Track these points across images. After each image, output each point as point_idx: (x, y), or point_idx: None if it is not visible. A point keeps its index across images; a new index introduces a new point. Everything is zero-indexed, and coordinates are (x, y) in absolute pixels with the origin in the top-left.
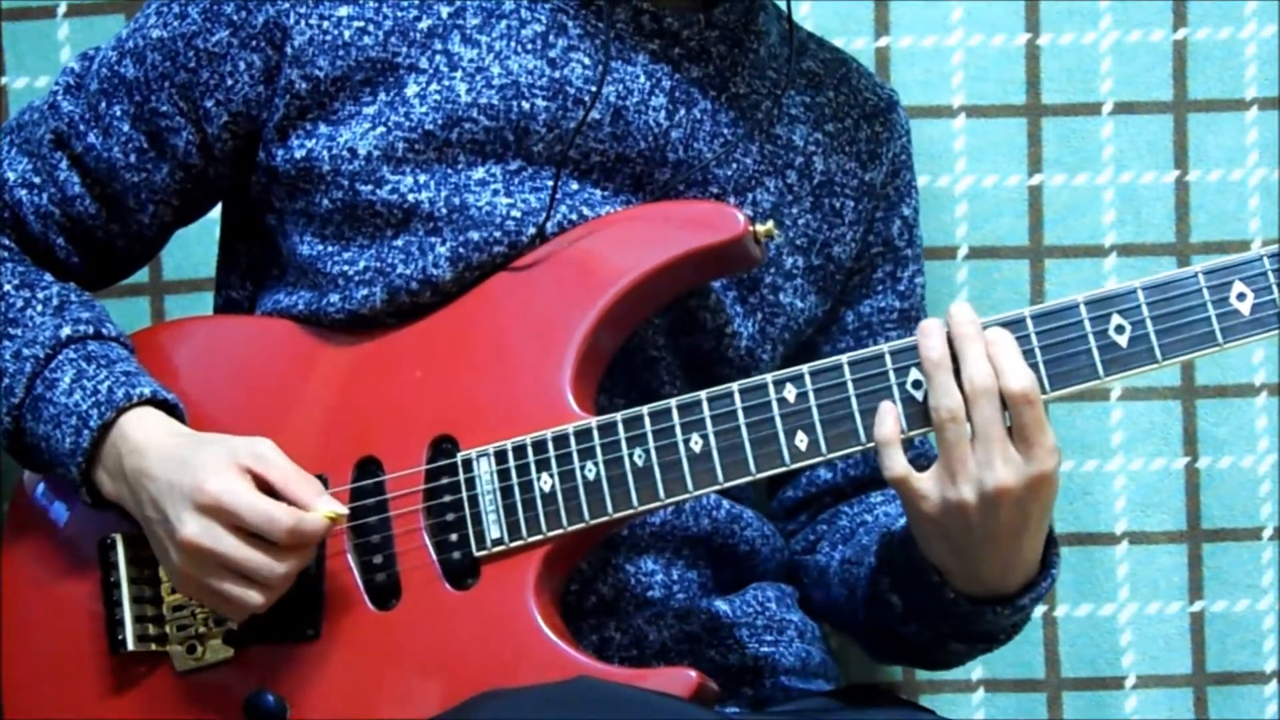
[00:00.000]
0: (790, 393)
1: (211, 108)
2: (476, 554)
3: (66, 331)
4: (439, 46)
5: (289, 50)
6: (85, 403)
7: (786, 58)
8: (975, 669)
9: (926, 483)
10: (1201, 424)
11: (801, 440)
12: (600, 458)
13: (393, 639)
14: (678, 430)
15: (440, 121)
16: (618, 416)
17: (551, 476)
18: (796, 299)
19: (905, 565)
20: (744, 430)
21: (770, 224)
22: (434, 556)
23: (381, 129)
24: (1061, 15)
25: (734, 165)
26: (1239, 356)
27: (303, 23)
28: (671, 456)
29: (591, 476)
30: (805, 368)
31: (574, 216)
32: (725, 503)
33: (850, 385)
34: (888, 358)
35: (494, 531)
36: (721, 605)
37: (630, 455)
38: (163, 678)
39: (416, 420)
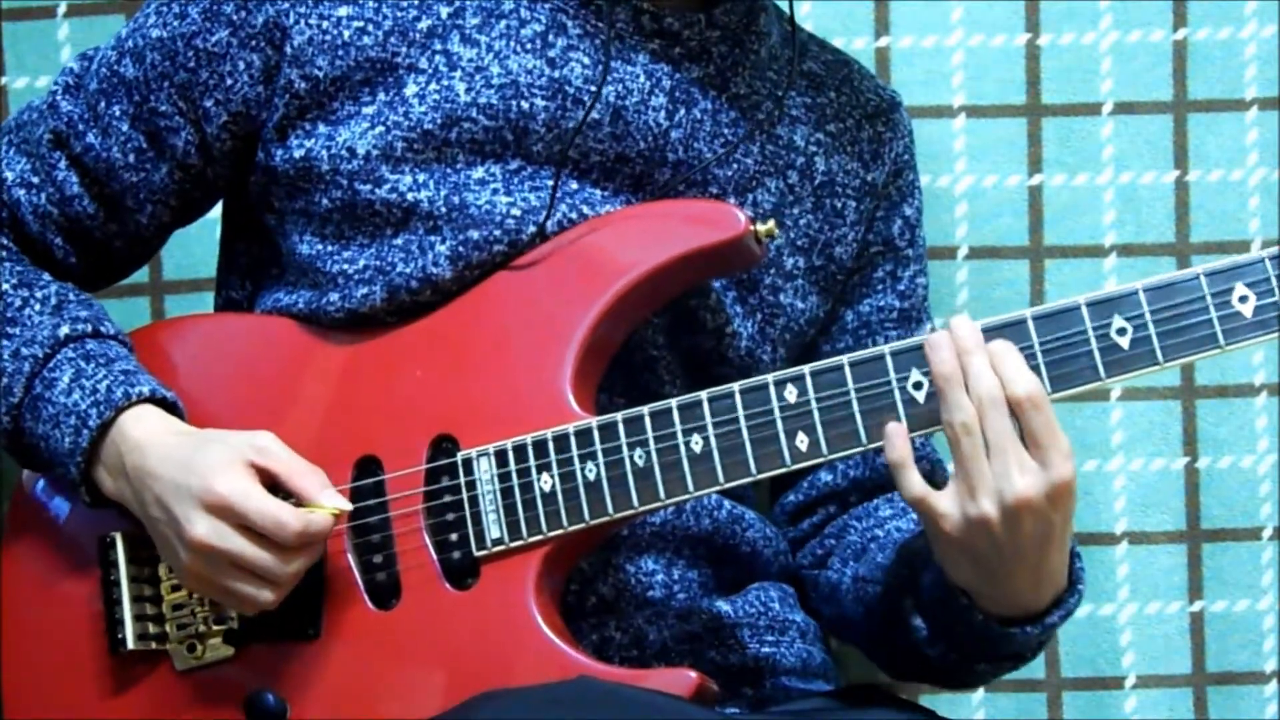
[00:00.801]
0: (791, 393)
1: (211, 107)
2: (476, 554)
3: (65, 330)
4: (438, 46)
5: (288, 50)
6: (84, 402)
7: (788, 59)
8: None
9: (946, 501)
10: (1201, 424)
11: (802, 441)
12: (601, 458)
13: (393, 638)
14: (678, 430)
15: (439, 121)
16: (618, 416)
17: (552, 476)
18: (797, 299)
19: (930, 587)
20: (745, 431)
21: (771, 223)
22: (434, 556)
23: (381, 128)
24: (1061, 15)
25: (734, 165)
26: (1239, 357)
27: (302, 23)
28: (672, 457)
29: (592, 476)
30: (806, 368)
31: (574, 216)
32: (726, 503)
33: (851, 386)
34: (889, 359)
35: (494, 531)
36: (723, 605)
37: (631, 455)
38: (163, 677)
39: (416, 419)
